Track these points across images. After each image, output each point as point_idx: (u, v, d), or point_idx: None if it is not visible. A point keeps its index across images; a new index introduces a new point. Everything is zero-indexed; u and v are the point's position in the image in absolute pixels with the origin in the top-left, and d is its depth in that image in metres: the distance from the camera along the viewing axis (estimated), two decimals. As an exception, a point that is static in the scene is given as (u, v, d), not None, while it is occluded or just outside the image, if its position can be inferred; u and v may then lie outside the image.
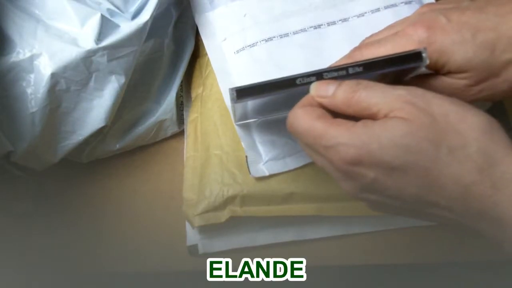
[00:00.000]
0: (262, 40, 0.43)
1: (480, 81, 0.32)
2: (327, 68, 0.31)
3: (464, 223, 0.28)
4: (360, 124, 0.28)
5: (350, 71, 0.30)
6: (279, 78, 0.31)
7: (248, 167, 0.39)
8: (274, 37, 0.43)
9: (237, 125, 0.41)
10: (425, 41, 0.31)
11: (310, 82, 0.31)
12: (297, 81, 0.31)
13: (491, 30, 0.31)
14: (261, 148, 0.40)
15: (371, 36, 0.35)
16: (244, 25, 0.44)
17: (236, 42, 0.43)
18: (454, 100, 0.28)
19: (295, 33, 0.43)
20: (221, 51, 0.44)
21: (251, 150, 0.40)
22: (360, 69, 0.30)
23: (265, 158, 0.40)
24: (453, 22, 0.31)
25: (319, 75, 0.31)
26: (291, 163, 0.40)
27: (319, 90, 0.30)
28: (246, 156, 0.40)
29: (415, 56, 0.30)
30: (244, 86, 0.31)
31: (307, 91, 0.31)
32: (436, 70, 0.32)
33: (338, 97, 0.29)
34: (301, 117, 0.30)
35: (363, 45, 0.34)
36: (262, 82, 0.31)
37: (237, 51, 0.43)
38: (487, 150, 0.27)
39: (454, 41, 0.31)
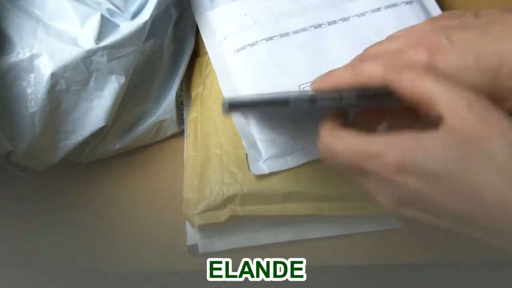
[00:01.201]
0: (263, 39, 0.43)
1: None
2: (319, 92, 0.30)
3: (498, 245, 0.26)
4: (406, 132, 0.27)
5: (344, 101, 0.29)
6: (271, 96, 0.30)
7: (248, 164, 0.39)
8: (275, 36, 0.43)
9: (237, 122, 0.41)
10: (427, 64, 0.30)
11: (304, 105, 0.30)
12: (290, 103, 0.30)
13: (495, 55, 0.29)
14: (261, 146, 0.40)
15: (375, 45, 0.34)
16: (245, 25, 0.44)
17: (236, 41, 0.44)
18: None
19: (295, 32, 0.43)
20: (221, 50, 0.44)
21: (251, 148, 0.40)
22: (353, 101, 0.29)
23: (265, 156, 0.40)
24: (455, 44, 0.30)
25: (312, 100, 0.30)
26: (291, 161, 0.40)
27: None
28: (246, 154, 0.40)
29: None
30: (236, 100, 0.31)
31: (308, 109, 0.31)
32: None
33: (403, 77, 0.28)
34: (337, 137, 0.29)
35: (366, 56, 0.33)
36: (254, 97, 0.31)
37: (237, 50, 0.43)
38: None
39: (458, 67, 0.29)
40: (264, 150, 0.40)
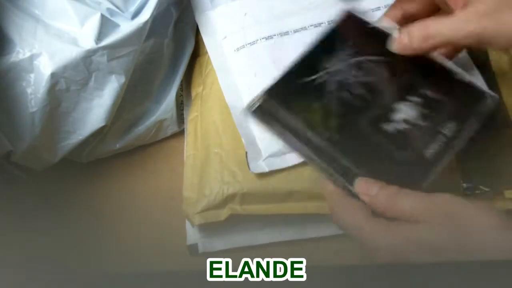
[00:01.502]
0: (262, 38, 0.43)
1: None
2: None
3: None
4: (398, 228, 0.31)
5: None
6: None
7: (248, 163, 0.39)
8: (275, 35, 0.43)
9: (238, 121, 0.41)
10: None
11: None
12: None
13: None
14: (260, 144, 0.40)
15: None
16: (245, 24, 0.44)
17: (236, 40, 0.44)
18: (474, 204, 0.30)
19: (295, 31, 0.43)
20: (222, 49, 0.44)
21: (251, 146, 0.40)
22: None
23: (264, 155, 0.40)
24: None
25: None
26: (291, 160, 0.39)
27: (362, 188, 0.33)
28: (246, 152, 0.40)
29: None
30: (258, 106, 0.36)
31: None
32: None
33: (379, 199, 0.32)
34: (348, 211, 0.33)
35: None
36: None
37: (237, 49, 0.43)
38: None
39: None
40: (264, 149, 0.40)
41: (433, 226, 0.30)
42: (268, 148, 0.40)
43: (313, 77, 0.37)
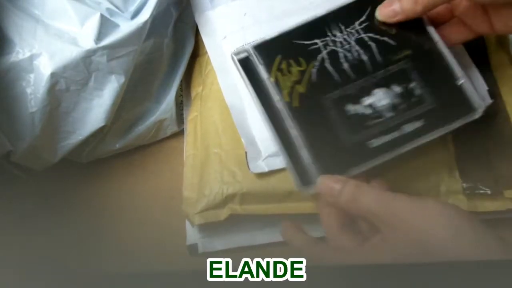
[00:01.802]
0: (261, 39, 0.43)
1: None
2: None
3: None
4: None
5: None
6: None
7: (247, 163, 0.39)
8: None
9: (237, 121, 0.41)
10: None
11: None
12: None
13: None
14: (260, 144, 0.40)
15: None
16: (244, 24, 0.44)
17: (236, 40, 0.44)
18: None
19: None
20: (221, 49, 0.44)
21: (251, 146, 0.40)
22: None
23: (264, 154, 0.40)
24: None
25: None
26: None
27: (325, 188, 0.34)
28: (246, 152, 0.40)
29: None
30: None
31: None
32: None
33: (343, 198, 0.33)
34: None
35: None
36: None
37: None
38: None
39: None
40: (263, 149, 0.40)
41: (390, 238, 0.31)
42: (268, 148, 0.40)
43: (310, 41, 0.38)
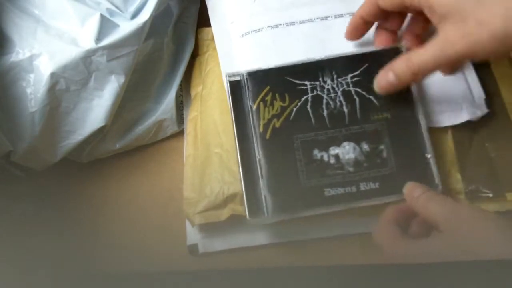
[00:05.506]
0: (268, 27, 0.43)
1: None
2: None
3: None
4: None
5: None
6: None
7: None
8: (280, 24, 0.44)
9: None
10: None
11: None
12: None
13: None
14: None
15: None
16: (253, 11, 0.44)
17: (242, 26, 0.44)
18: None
19: (301, 22, 0.44)
20: (228, 34, 0.44)
21: None
22: None
23: None
24: None
25: None
26: None
27: (409, 190, 0.37)
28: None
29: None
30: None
31: None
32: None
33: (419, 202, 0.36)
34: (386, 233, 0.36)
35: None
36: None
37: (242, 35, 0.44)
38: None
39: None
40: None
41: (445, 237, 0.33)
42: None
43: (301, 81, 0.40)
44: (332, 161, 0.38)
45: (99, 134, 0.43)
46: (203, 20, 0.47)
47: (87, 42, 0.39)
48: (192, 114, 0.45)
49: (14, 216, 0.45)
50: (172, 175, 0.45)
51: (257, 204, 0.37)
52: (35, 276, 0.43)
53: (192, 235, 0.42)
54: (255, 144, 0.38)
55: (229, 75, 0.40)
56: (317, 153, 0.38)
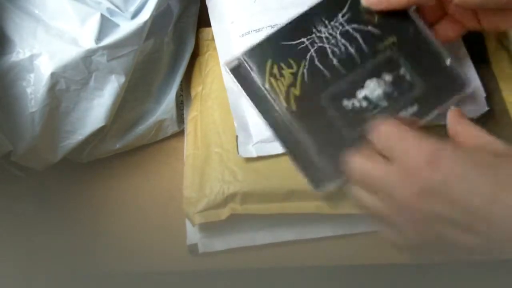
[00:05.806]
0: (268, 26, 0.43)
1: None
2: None
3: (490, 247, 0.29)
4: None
5: None
6: None
7: (237, 147, 0.39)
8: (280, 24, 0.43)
9: (233, 105, 0.41)
10: None
11: None
12: None
13: None
14: (252, 129, 0.40)
15: None
16: (253, 11, 0.44)
17: (242, 25, 0.44)
18: None
19: None
20: (228, 34, 0.44)
21: (243, 130, 0.40)
22: None
23: (255, 140, 0.40)
24: None
25: None
26: (281, 147, 0.39)
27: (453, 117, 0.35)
28: (237, 136, 0.40)
29: None
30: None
31: None
32: None
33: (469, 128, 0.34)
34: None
35: None
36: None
37: (243, 35, 0.44)
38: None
39: None
40: (255, 134, 0.40)
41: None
42: (259, 133, 0.40)
43: (297, 41, 0.38)
44: (364, 103, 0.36)
45: (99, 134, 0.43)
46: (203, 20, 0.47)
47: (87, 42, 0.39)
48: (192, 114, 0.45)
49: (14, 216, 0.45)
50: (172, 175, 0.45)
51: (318, 175, 0.36)
52: (35, 276, 0.43)
53: (192, 235, 0.42)
54: (286, 121, 0.37)
55: (227, 63, 0.38)
56: (347, 103, 0.37)
